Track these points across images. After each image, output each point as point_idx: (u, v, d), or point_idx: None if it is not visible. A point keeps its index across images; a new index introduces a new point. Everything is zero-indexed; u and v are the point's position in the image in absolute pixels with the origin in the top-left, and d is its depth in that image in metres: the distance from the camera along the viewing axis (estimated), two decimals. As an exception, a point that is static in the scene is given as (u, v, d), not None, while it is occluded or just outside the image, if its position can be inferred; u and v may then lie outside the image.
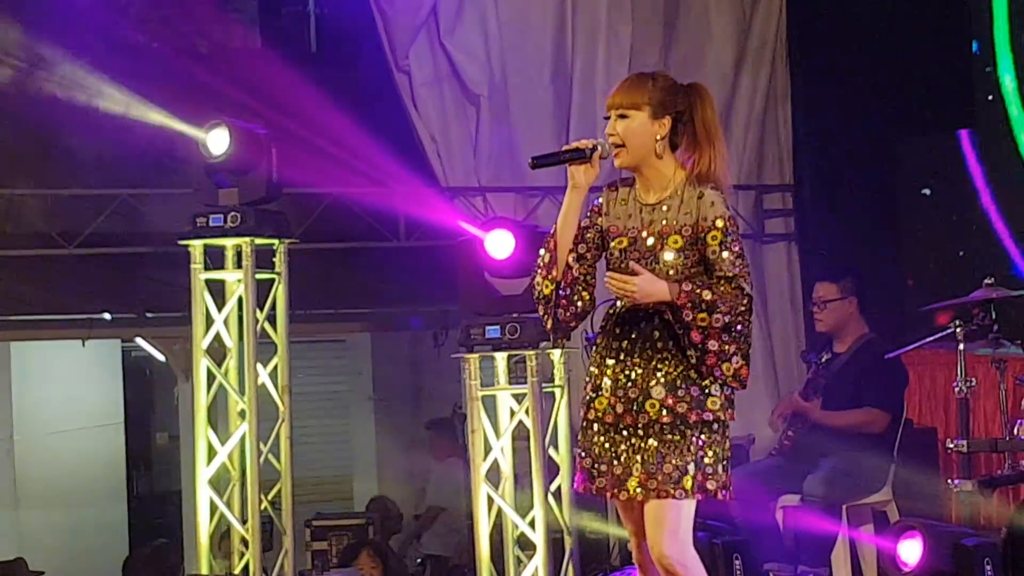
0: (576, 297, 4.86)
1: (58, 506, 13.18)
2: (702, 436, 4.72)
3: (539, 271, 4.90)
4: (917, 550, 6.84)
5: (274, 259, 7.87)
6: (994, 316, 7.35)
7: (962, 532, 7.02)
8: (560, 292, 4.83)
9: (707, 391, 4.72)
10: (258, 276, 7.73)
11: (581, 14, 10.28)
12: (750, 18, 10.60)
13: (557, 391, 7.58)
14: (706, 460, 4.72)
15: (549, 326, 4.93)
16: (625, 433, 4.78)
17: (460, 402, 10.73)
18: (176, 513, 13.47)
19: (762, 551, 7.60)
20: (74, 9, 10.87)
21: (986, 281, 7.43)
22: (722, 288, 4.64)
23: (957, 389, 7.27)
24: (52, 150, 10.96)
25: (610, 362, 4.82)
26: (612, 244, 4.87)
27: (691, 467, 4.69)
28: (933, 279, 9.61)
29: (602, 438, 4.84)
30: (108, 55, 11.12)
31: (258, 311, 7.71)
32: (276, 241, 7.80)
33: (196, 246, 7.71)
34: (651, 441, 4.72)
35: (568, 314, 4.87)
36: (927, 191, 10.00)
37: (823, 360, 7.93)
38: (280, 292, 7.80)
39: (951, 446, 7.34)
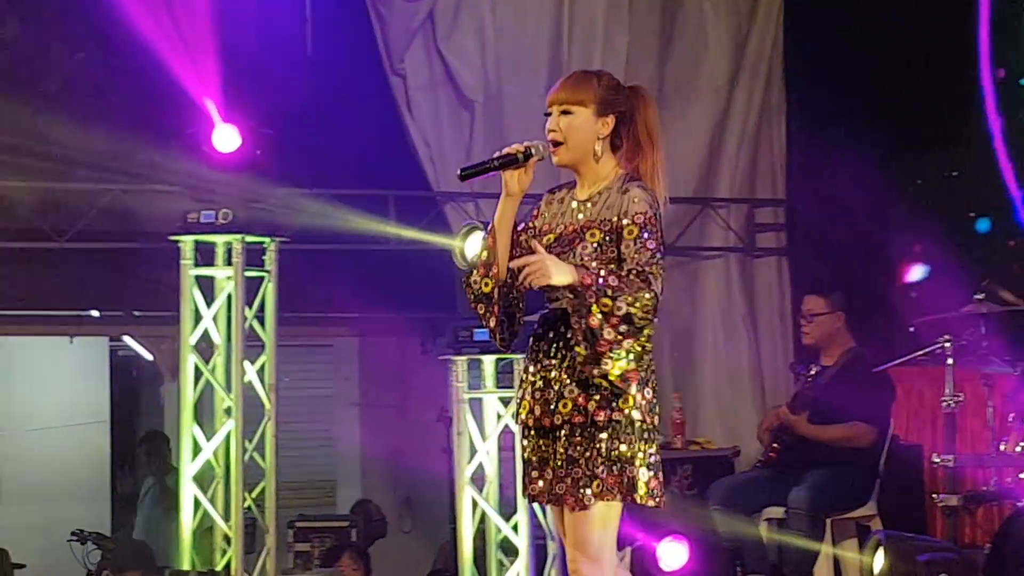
0: (514, 303, 4.76)
1: (40, 502, 13.14)
2: (614, 439, 4.50)
3: (478, 269, 4.76)
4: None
5: (264, 257, 7.87)
6: (983, 331, 7.36)
7: (927, 545, 7.07)
8: (499, 295, 4.72)
9: (620, 390, 4.51)
10: (248, 274, 7.73)
11: (578, 23, 10.27)
12: (747, 32, 10.60)
13: None
14: (616, 463, 4.49)
15: (492, 324, 4.76)
16: (545, 437, 4.64)
17: (446, 405, 10.74)
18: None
19: (745, 563, 7.61)
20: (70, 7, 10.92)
21: (976, 296, 7.44)
22: (630, 278, 4.45)
23: (944, 404, 7.27)
24: (44, 143, 10.93)
25: (532, 368, 4.71)
26: (542, 242, 4.70)
27: (600, 471, 4.49)
28: (925, 294, 9.61)
29: (527, 442, 4.72)
30: (104, 50, 11.14)
31: (247, 309, 7.71)
32: (267, 239, 7.80)
33: (187, 242, 7.71)
34: (562, 443, 4.57)
35: (508, 321, 4.77)
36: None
37: (811, 373, 7.93)
38: (270, 290, 7.80)
39: (937, 460, 7.35)
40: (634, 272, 4.47)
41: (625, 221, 4.55)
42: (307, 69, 10.54)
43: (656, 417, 4.61)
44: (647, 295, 4.39)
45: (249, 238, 7.69)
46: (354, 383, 13.58)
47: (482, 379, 7.65)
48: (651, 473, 4.54)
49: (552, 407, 4.57)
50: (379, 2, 10.03)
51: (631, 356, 4.42)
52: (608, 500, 4.49)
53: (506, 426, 7.45)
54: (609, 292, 4.37)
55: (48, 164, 11.05)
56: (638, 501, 4.53)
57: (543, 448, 4.64)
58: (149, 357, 12.87)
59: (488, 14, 10.12)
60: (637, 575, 7.37)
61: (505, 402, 7.46)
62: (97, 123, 11.19)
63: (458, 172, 4.94)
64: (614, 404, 4.50)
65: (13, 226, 10.99)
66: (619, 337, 4.39)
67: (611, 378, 4.42)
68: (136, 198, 10.56)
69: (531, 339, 4.78)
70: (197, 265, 7.76)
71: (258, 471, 7.86)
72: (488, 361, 7.57)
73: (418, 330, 12.18)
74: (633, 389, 4.50)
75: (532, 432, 4.68)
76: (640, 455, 4.52)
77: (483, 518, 7.54)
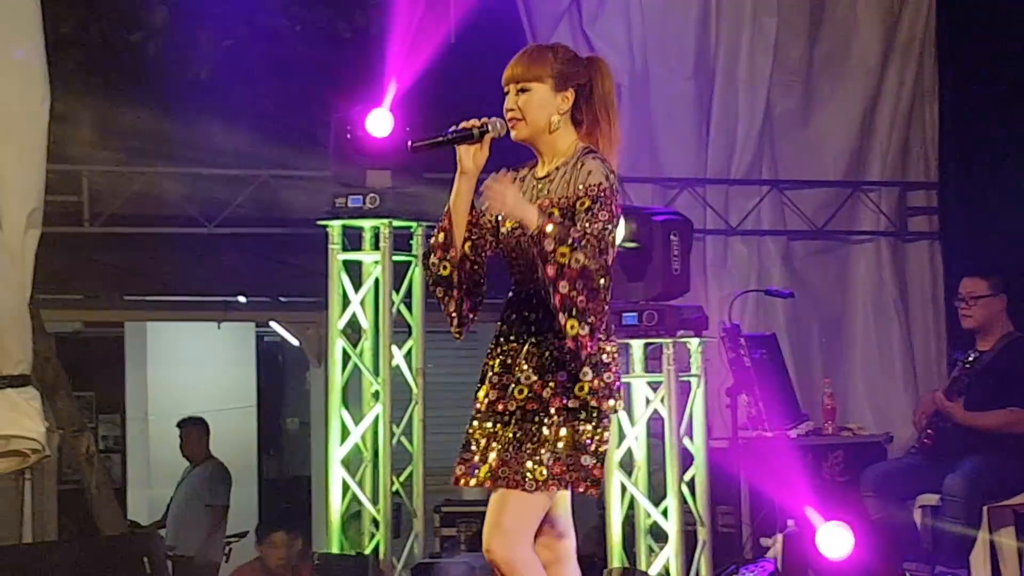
0: (474, 288, 4.62)
1: (190, 486, 13.42)
2: (564, 425, 4.38)
3: (435, 251, 4.58)
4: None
5: (411, 241, 7.91)
6: None
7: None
8: (459, 279, 4.57)
9: (577, 376, 4.38)
10: (395, 258, 7.77)
11: (725, 5, 10.20)
12: (899, 12, 10.43)
13: (693, 380, 7.51)
14: (565, 450, 4.37)
15: (451, 309, 4.62)
16: (492, 421, 4.52)
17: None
18: (305, 498, 13.65)
19: (900, 550, 7.52)
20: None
21: None
22: (589, 240, 4.30)
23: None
24: (194, 130, 11.10)
25: (495, 350, 4.59)
26: (503, 227, 4.60)
27: (546, 457, 4.36)
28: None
29: (475, 423, 4.58)
30: (251, 38, 11.28)
31: (394, 293, 7.75)
32: (414, 224, 7.83)
33: (334, 227, 7.76)
34: (512, 428, 4.46)
35: (467, 306, 4.63)
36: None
37: (969, 359, 7.80)
38: (416, 275, 7.83)
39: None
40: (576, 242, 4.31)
41: (579, 194, 4.42)
42: (451, 54, 10.57)
43: (612, 401, 4.46)
44: (603, 258, 4.30)
45: (396, 222, 7.73)
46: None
47: (631, 363, 7.58)
48: (595, 461, 4.41)
49: (508, 391, 4.47)
50: (525, -15, 10.05)
51: (587, 317, 4.27)
52: (551, 488, 4.38)
53: (655, 411, 7.42)
54: (569, 241, 4.24)
55: (197, 151, 11.23)
56: (582, 491, 4.42)
57: (485, 431, 4.53)
58: (295, 343, 13.01)
59: (634, -5, 10.10)
60: (789, 562, 7.32)
61: (654, 387, 7.43)
62: (245, 110, 11.36)
63: (408, 143, 4.71)
64: (570, 391, 4.39)
65: (163, 212, 11.19)
66: (573, 295, 4.24)
67: (569, 335, 4.28)
68: (284, 184, 10.69)
69: (498, 323, 4.64)
70: (345, 250, 7.81)
71: (405, 455, 7.90)
72: (636, 345, 7.52)
73: None
74: (588, 374, 4.38)
75: (481, 414, 4.57)
76: (589, 443, 4.40)
77: (632, 503, 7.52)
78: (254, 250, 11.33)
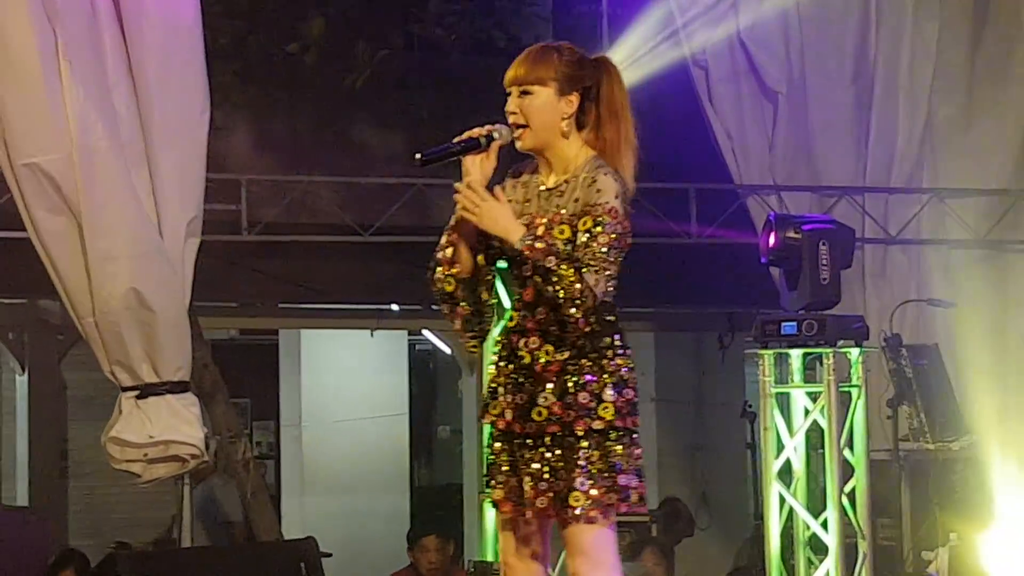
0: (480, 301, 4.46)
1: (342, 493, 13.55)
2: (594, 449, 4.25)
3: (442, 265, 4.39)
4: None
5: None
6: None
7: None
8: (468, 293, 4.42)
9: (600, 397, 4.24)
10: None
11: (886, 11, 10.11)
12: (1065, 15, 10.29)
13: (854, 391, 7.40)
14: (599, 473, 4.24)
15: (457, 325, 4.47)
16: (516, 443, 4.37)
17: (749, 400, 10.70)
18: (457, 504, 13.76)
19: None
20: (375, 4, 11.19)
21: None
22: (563, 268, 4.17)
23: None
24: (349, 139, 11.25)
25: (503, 364, 4.44)
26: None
27: (583, 483, 4.22)
28: None
29: (498, 445, 4.44)
30: (407, 48, 11.39)
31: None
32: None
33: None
34: (539, 454, 4.30)
35: (479, 320, 4.48)
36: None
37: None
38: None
39: None
40: (575, 261, 4.21)
41: (585, 212, 4.26)
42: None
43: (637, 418, 4.35)
44: (578, 286, 4.14)
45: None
46: (650, 378, 13.63)
47: (789, 373, 7.51)
48: (634, 479, 4.29)
49: (526, 412, 4.33)
50: (680, -10, 10.03)
51: (577, 336, 4.21)
52: (597, 513, 4.23)
53: (814, 421, 7.35)
54: (541, 271, 4.17)
55: (352, 160, 11.36)
56: (630, 509, 4.33)
57: (511, 452, 4.39)
58: (447, 351, 13.12)
59: (792, 3, 10.03)
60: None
61: (813, 397, 7.34)
62: (400, 118, 11.47)
63: (416, 156, 4.42)
64: (593, 413, 4.24)
65: (317, 220, 11.31)
66: (565, 311, 4.16)
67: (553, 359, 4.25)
68: (437, 193, 10.76)
69: (503, 333, 4.51)
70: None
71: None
72: (795, 355, 7.42)
73: (715, 324, 12.12)
74: (611, 395, 4.24)
75: (502, 436, 4.42)
76: (623, 461, 4.28)
77: (791, 515, 7.44)
78: (408, 258, 11.42)
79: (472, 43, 11.58)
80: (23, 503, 12.49)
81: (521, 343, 4.34)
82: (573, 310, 4.15)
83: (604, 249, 4.18)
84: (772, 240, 7.35)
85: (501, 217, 4.23)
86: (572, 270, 4.16)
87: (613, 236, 4.21)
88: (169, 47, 8.53)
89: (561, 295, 4.15)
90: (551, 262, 4.15)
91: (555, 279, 4.15)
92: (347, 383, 14.29)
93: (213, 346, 10.61)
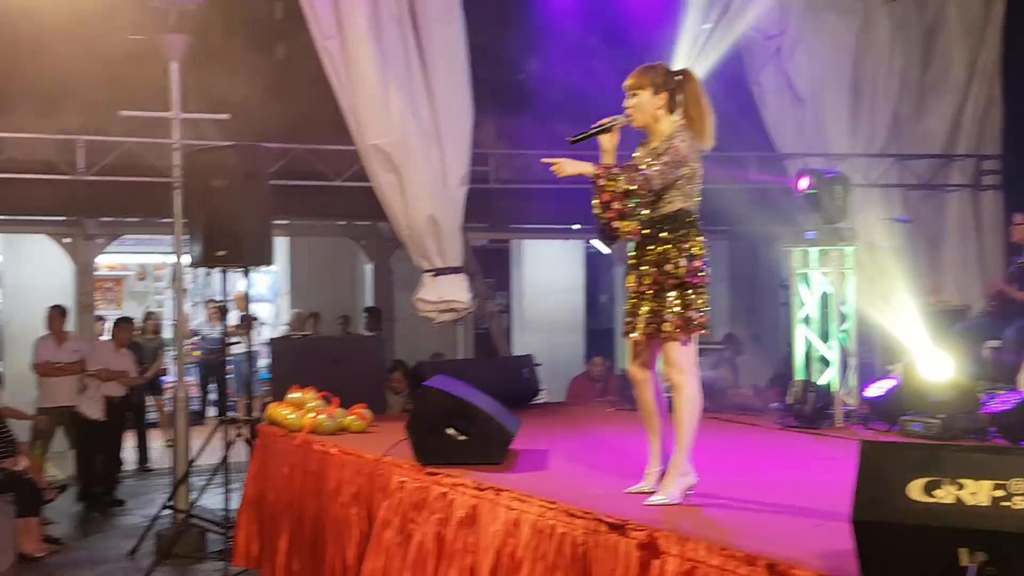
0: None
1: (547, 332, 13.68)
2: (676, 294, 4.10)
3: (612, 199, 4.05)
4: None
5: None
6: None
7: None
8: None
9: (677, 263, 4.09)
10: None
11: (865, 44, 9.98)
12: None
13: (847, 271, 6.97)
14: (678, 314, 4.10)
15: (600, 237, 4.28)
16: (635, 300, 4.23)
17: (784, 278, 10.56)
18: (611, 339, 13.92)
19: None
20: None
21: None
22: (630, 171, 4.04)
23: None
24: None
25: (635, 256, 4.25)
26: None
27: (667, 315, 4.11)
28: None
29: (631, 301, 4.28)
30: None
31: None
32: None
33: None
34: (647, 302, 4.17)
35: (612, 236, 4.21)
36: None
37: (1019, 260, 7.54)
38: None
39: None
40: (634, 168, 4.09)
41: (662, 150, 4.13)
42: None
43: (703, 278, 4.13)
44: (639, 177, 4.02)
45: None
46: (725, 268, 13.54)
47: (809, 262, 7.07)
48: (700, 315, 4.13)
49: (642, 280, 4.19)
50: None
51: (636, 218, 4.05)
52: (680, 335, 4.11)
53: (823, 291, 7.00)
54: (611, 176, 4.01)
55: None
56: (700, 333, 4.15)
57: (635, 303, 4.23)
58: (607, 251, 13.07)
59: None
60: None
61: (824, 274, 6.99)
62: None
63: (568, 138, 4.22)
64: (675, 275, 4.11)
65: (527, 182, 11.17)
66: (622, 208, 4.01)
67: (621, 233, 4.07)
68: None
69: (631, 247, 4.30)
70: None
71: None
72: (813, 251, 7.03)
73: (761, 234, 11.32)
74: (683, 262, 4.08)
75: (632, 296, 4.25)
76: (695, 304, 4.11)
77: (808, 344, 7.05)
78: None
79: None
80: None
81: (641, 238, 4.26)
82: (610, 213, 4.03)
83: (665, 159, 4.06)
84: (805, 183, 7.32)
85: (571, 165, 4.07)
86: (615, 180, 4.00)
87: (671, 158, 4.08)
88: (449, 53, 8.59)
89: (631, 186, 4.02)
90: (601, 180, 4.02)
91: (623, 178, 4.03)
92: (549, 270, 14.40)
93: (474, 248, 10.68)
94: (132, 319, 10.65)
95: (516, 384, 7.41)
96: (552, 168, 4.10)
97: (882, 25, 10.20)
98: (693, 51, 8.41)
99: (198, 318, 13.30)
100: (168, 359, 11.32)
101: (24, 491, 7.74)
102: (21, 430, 8.83)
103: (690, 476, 4.18)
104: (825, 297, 7.09)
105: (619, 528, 3.72)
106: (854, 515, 2.76)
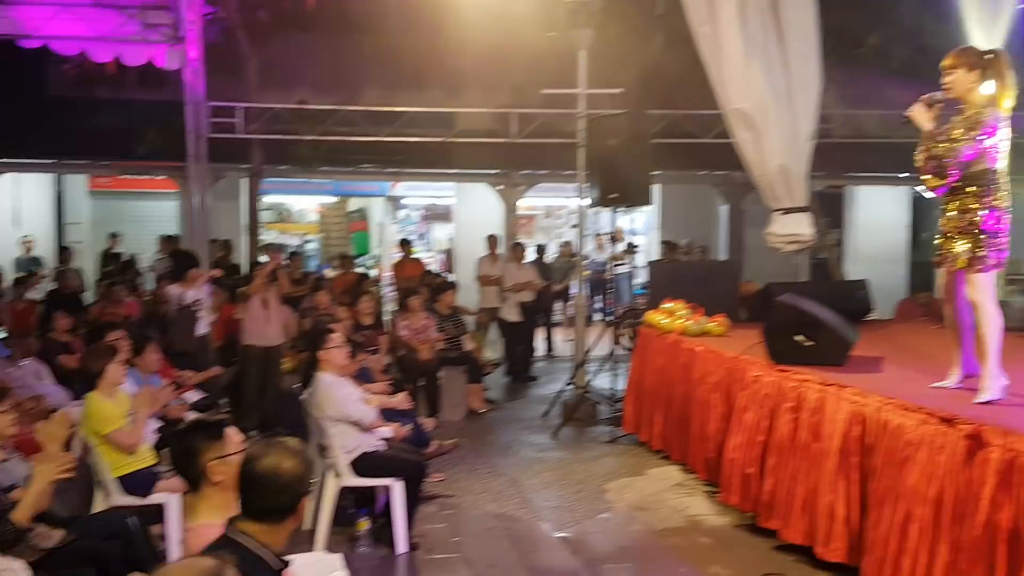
0: None
1: (881, 263, 12.98)
2: (973, 238, 3.98)
3: (930, 157, 4.03)
4: None
5: None
6: None
7: None
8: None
9: (976, 214, 3.97)
10: None
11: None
12: None
13: None
14: (978, 252, 3.97)
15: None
16: (944, 239, 4.12)
17: None
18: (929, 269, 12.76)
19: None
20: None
21: None
22: (949, 140, 3.96)
23: None
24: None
25: (942, 209, 4.15)
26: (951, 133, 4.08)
27: (967, 255, 3.99)
28: None
29: (939, 240, 4.16)
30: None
31: None
32: None
33: None
34: (954, 243, 4.04)
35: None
36: None
37: None
38: None
39: None
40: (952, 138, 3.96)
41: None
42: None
43: (1000, 227, 3.99)
44: (952, 149, 3.93)
45: None
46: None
47: None
48: (996, 253, 3.98)
49: (948, 227, 4.09)
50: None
51: (944, 177, 3.96)
52: (980, 267, 3.99)
53: None
54: (935, 141, 3.97)
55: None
56: (992, 269, 3.99)
57: (943, 244, 4.13)
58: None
59: None
60: None
61: None
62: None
63: (902, 117, 4.14)
64: (973, 226, 3.98)
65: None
66: (938, 164, 3.95)
67: (928, 186, 4.01)
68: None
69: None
70: None
71: None
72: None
73: None
74: (980, 214, 3.96)
75: (941, 236, 4.15)
76: (984, 246, 3.98)
77: None
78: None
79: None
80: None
81: (950, 189, 4.14)
82: (927, 167, 4.01)
83: (973, 132, 3.93)
84: None
85: (920, 115, 4.07)
86: (937, 145, 3.98)
87: (972, 129, 3.94)
88: (803, 33, 8.20)
89: (940, 151, 3.98)
90: (927, 141, 4.02)
91: (931, 147, 4.01)
92: (878, 211, 13.59)
93: (814, 193, 10.13)
94: (523, 244, 10.85)
95: (851, 303, 7.16)
96: (909, 112, 4.10)
97: None
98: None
99: (588, 247, 13.82)
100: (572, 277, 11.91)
101: (471, 364, 8.55)
102: (468, 322, 9.61)
103: (1003, 378, 4.10)
104: None
105: (948, 421, 3.57)
106: None
